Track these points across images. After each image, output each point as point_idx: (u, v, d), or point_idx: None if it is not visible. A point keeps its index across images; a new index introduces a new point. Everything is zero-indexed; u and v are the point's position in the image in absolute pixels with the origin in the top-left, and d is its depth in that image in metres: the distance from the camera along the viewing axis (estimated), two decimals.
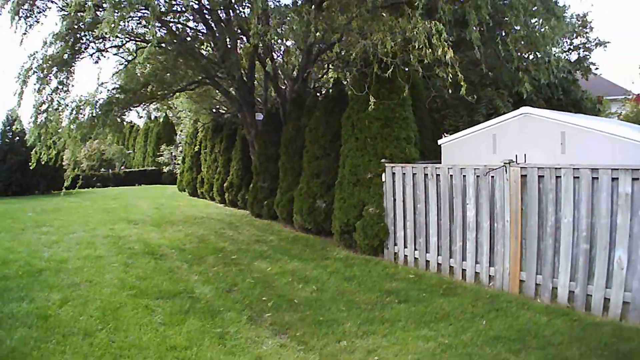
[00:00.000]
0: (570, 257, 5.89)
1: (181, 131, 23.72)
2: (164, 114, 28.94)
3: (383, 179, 8.66)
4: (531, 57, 9.46)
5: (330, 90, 11.55)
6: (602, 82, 24.21)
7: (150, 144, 33.64)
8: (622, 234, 5.39)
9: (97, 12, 8.65)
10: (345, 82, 10.90)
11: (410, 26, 7.59)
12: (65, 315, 5.91)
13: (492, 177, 6.73)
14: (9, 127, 21.93)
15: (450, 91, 7.82)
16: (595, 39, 15.45)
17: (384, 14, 8.02)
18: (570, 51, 15.42)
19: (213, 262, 8.54)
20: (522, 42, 8.75)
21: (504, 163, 6.54)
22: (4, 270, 8.01)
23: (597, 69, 16.01)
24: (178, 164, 25.24)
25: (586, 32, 15.20)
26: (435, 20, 7.81)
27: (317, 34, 7.87)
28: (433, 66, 7.90)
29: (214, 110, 18.30)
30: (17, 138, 21.76)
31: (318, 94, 12.16)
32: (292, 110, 12.42)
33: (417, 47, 7.45)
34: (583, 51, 15.44)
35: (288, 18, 7.39)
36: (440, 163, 9.21)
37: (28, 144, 11.61)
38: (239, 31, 11.62)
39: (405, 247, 8.33)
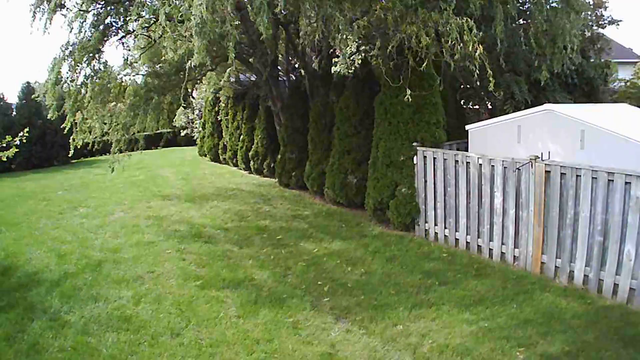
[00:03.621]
0: (586, 246, 7.04)
1: (194, 97, 24.30)
2: None
3: (415, 162, 9.76)
4: (549, 47, 10.32)
5: (358, 67, 12.37)
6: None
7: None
8: (631, 231, 6.48)
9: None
10: (372, 60, 11.68)
11: (443, 21, 8.33)
12: (145, 314, 6.76)
13: (519, 169, 7.86)
14: (24, 101, 22.72)
15: (478, 83, 8.76)
16: (608, 17, 16.33)
17: (418, 8, 8.76)
18: (584, 28, 16.22)
19: (260, 244, 9.74)
20: (545, 36, 9.63)
21: (530, 159, 7.63)
22: (63, 266, 8.78)
23: (610, 48, 16.90)
24: (196, 127, 26.19)
25: (601, 11, 15.99)
26: (465, 15, 8.65)
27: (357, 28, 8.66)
28: (462, 59, 8.76)
29: (235, 80, 18.95)
30: (35, 111, 22.57)
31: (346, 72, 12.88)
32: (320, 85, 13.42)
33: (449, 42, 8.30)
34: (596, 28, 16.24)
35: (335, 20, 8.22)
36: (464, 142, 10.33)
37: (51, 117, 11.92)
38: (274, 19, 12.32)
39: (435, 225, 9.53)
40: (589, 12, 15.04)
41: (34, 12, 10.19)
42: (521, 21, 9.98)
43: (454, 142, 10.74)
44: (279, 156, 15.29)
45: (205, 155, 23.03)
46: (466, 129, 9.90)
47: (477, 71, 8.30)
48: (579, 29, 10.24)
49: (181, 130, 28.59)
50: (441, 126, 10.06)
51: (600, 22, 16.73)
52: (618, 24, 16.58)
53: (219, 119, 21.06)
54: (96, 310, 6.93)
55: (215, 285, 7.72)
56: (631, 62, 29.81)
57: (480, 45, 8.12)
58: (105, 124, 12.31)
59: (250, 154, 17.70)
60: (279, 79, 15.68)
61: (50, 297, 7.42)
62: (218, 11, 6.97)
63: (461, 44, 8.22)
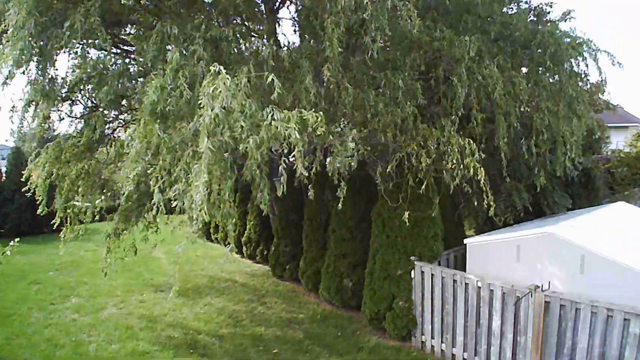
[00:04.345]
0: None
1: None
2: None
3: (412, 275, 10.01)
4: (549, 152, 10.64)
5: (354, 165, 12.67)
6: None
7: None
8: None
9: None
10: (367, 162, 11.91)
11: (444, 139, 8.51)
12: None
13: (519, 298, 8.10)
14: (14, 167, 22.82)
15: (477, 203, 8.99)
16: (605, 101, 17.01)
17: (419, 124, 8.97)
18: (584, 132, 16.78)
19: (257, 359, 9.75)
20: (546, 142, 9.94)
21: (530, 289, 7.89)
22: None
23: (608, 137, 17.54)
24: (186, 199, 26.33)
25: (598, 97, 16.64)
26: (467, 127, 8.86)
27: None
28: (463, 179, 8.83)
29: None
30: (25, 178, 22.62)
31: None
32: (314, 182, 13.68)
33: (450, 164, 8.40)
34: (594, 114, 16.79)
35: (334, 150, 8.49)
36: (461, 248, 10.57)
37: (41, 212, 12.49)
38: None
39: (432, 338, 9.70)
40: (589, 96, 15.50)
41: (21, 120, 10.34)
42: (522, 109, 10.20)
43: (452, 250, 11.00)
44: (273, 248, 15.46)
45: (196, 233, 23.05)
46: (464, 242, 10.14)
47: (485, 195, 8.41)
48: (581, 135, 10.59)
49: (172, 202, 28.78)
50: (439, 239, 10.33)
51: (595, 108, 17.25)
52: (615, 107, 17.21)
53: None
54: None
55: None
56: (623, 127, 30.87)
57: (482, 169, 8.16)
58: (96, 215, 12.42)
59: (243, 239, 17.84)
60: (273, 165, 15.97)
61: None
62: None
63: (462, 165, 8.35)
